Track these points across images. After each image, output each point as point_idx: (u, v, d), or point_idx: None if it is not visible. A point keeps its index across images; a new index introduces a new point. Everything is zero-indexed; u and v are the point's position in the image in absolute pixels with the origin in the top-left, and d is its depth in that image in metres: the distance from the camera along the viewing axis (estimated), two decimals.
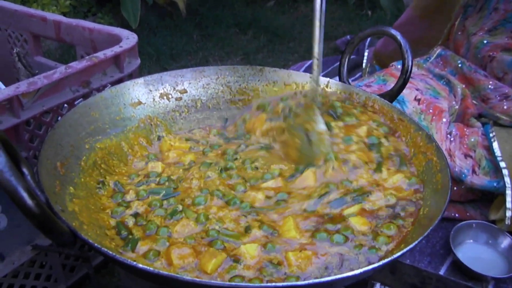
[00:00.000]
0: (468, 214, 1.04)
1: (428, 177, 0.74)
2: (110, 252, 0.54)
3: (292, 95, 0.92)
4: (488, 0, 1.09)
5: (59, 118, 1.03)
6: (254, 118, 0.91)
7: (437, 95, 1.08)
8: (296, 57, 2.69)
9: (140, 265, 0.52)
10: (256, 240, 0.66)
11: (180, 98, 0.94)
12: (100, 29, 1.20)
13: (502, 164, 0.97)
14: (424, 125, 1.01)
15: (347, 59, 0.97)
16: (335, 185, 0.76)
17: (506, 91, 1.07)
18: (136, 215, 0.72)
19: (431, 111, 1.03)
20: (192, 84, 0.95)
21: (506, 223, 0.96)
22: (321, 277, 0.60)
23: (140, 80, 0.90)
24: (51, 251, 1.12)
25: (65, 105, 1.04)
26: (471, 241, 0.99)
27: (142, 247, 0.65)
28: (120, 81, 1.09)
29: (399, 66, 1.16)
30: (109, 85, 1.07)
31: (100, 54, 1.06)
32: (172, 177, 0.80)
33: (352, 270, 0.56)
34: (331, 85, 0.94)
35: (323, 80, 0.94)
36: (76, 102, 1.04)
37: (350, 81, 0.99)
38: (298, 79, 0.96)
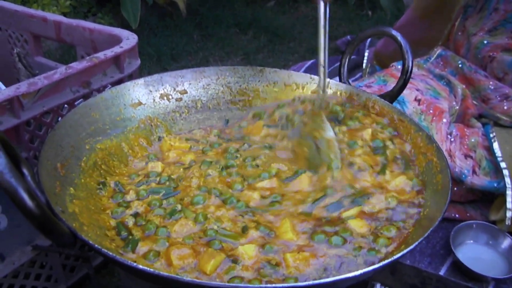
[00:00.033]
0: (468, 214, 1.04)
1: (429, 178, 0.74)
2: (110, 253, 0.54)
3: (289, 103, 0.93)
4: (488, 0, 1.09)
5: (60, 118, 1.03)
6: (251, 125, 0.92)
7: (438, 96, 1.08)
8: (296, 57, 2.69)
9: (140, 266, 0.52)
10: (253, 241, 0.66)
11: (181, 99, 0.94)
12: (100, 29, 1.20)
13: (503, 165, 0.97)
14: (425, 125, 1.01)
15: (347, 60, 0.97)
16: (332, 189, 0.75)
17: (507, 91, 1.07)
18: (136, 215, 0.72)
19: (431, 111, 1.03)
20: (192, 85, 0.95)
21: (507, 223, 0.96)
22: (320, 278, 0.60)
23: (140, 81, 0.90)
24: (51, 251, 1.12)
25: (66, 105, 1.04)
26: (471, 241, 0.99)
27: (142, 248, 0.65)
28: (120, 81, 1.09)
29: (399, 67, 1.16)
30: (109, 86, 1.07)
31: (101, 55, 1.06)
32: (172, 176, 0.80)
33: (351, 271, 0.55)
34: (331, 85, 0.94)
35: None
36: (76, 103, 1.04)
37: (350, 81, 0.99)
38: (299, 80, 0.96)
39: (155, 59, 2.61)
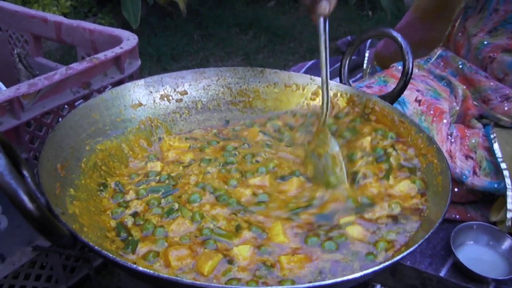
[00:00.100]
0: (468, 215, 1.04)
1: (429, 179, 0.74)
2: (110, 255, 0.54)
3: (279, 115, 0.94)
4: (488, 1, 1.09)
5: (60, 119, 1.03)
6: (246, 131, 0.92)
7: (438, 96, 1.08)
8: (296, 57, 2.69)
9: (140, 268, 0.52)
10: (246, 241, 0.66)
11: (181, 100, 0.94)
12: (100, 30, 1.20)
13: (503, 166, 0.97)
14: (425, 126, 1.01)
15: (347, 61, 0.97)
16: (325, 201, 0.75)
17: (507, 92, 1.07)
18: (134, 214, 0.72)
19: (431, 112, 1.03)
20: (192, 86, 0.95)
21: (507, 224, 0.95)
22: (315, 281, 0.60)
23: (141, 82, 0.90)
24: (52, 252, 1.12)
25: (66, 106, 1.04)
26: (472, 242, 0.99)
27: (142, 249, 0.65)
28: (120, 82, 1.09)
29: (400, 67, 1.15)
30: (110, 86, 1.07)
31: (101, 55, 1.06)
32: (171, 174, 0.80)
33: (346, 275, 0.55)
34: (331, 86, 0.93)
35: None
36: (76, 104, 1.04)
37: (351, 82, 0.99)
38: (299, 81, 0.96)
39: (155, 59, 2.61)
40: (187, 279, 0.59)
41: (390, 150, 0.82)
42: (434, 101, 1.06)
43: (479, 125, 1.09)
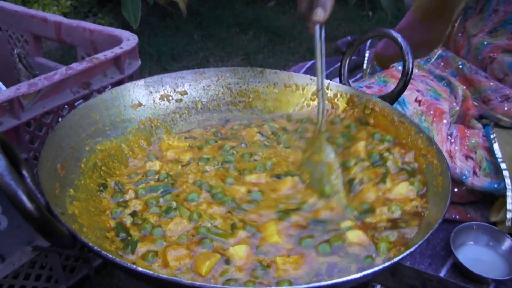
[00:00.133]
0: (468, 215, 1.04)
1: (429, 180, 0.73)
2: (110, 256, 0.54)
3: (275, 118, 0.94)
4: (488, 1, 1.09)
5: (60, 119, 1.03)
6: (244, 131, 0.92)
7: (438, 97, 1.08)
8: (296, 57, 2.69)
9: (140, 269, 0.52)
10: (241, 241, 0.66)
11: (181, 100, 0.94)
12: (100, 30, 1.20)
13: (503, 166, 0.97)
14: (425, 126, 1.01)
15: (347, 61, 0.97)
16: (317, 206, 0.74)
17: (507, 92, 1.07)
18: (133, 213, 0.72)
19: (431, 112, 1.03)
20: (192, 86, 0.95)
21: (507, 224, 0.95)
22: (313, 282, 0.60)
23: (141, 82, 0.90)
24: (52, 252, 1.12)
25: (66, 106, 1.04)
26: (472, 243, 0.99)
27: (141, 249, 0.65)
28: (120, 82, 1.09)
29: (400, 67, 1.15)
30: (110, 86, 1.07)
31: (101, 55, 1.06)
32: (170, 173, 0.80)
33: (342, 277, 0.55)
34: (331, 86, 0.93)
35: (324, 82, 0.94)
36: (76, 104, 1.04)
37: (350, 82, 0.99)
38: (299, 81, 0.96)
39: (155, 59, 2.61)
40: (185, 279, 0.59)
41: (386, 154, 0.81)
42: (434, 101, 1.06)
43: (479, 125, 1.08)
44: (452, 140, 1.01)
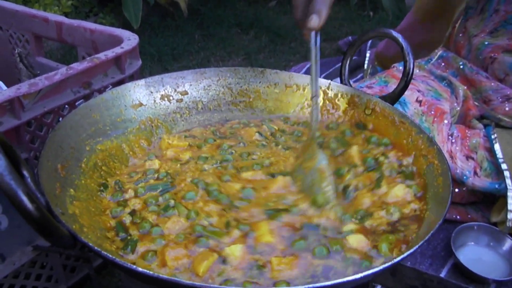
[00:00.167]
0: (469, 216, 1.04)
1: (429, 180, 0.73)
2: (110, 255, 0.54)
3: (274, 118, 0.94)
4: (488, 2, 1.09)
5: (60, 119, 1.03)
6: (243, 130, 0.92)
7: (439, 97, 1.08)
8: (297, 57, 2.69)
9: (140, 269, 0.52)
10: (236, 240, 0.66)
11: (181, 100, 0.94)
12: (101, 30, 1.20)
13: (504, 166, 0.96)
14: (426, 126, 1.01)
15: (348, 61, 0.96)
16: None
17: (508, 92, 1.07)
18: (132, 212, 0.72)
19: (432, 112, 1.03)
20: (193, 86, 0.95)
21: (508, 225, 0.95)
22: (310, 283, 0.60)
23: (141, 82, 0.90)
24: (52, 252, 1.12)
25: (66, 106, 1.04)
26: (472, 243, 0.99)
27: (141, 249, 0.65)
28: (121, 82, 1.09)
29: (401, 68, 1.15)
30: (110, 86, 1.07)
31: (101, 55, 1.06)
32: (169, 172, 0.80)
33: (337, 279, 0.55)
34: (332, 87, 0.93)
35: (325, 82, 0.94)
36: (77, 103, 1.04)
37: (351, 82, 0.99)
38: (299, 81, 0.96)
39: (156, 59, 2.61)
40: (183, 279, 0.59)
41: (381, 158, 0.80)
42: (435, 101, 1.06)
43: (480, 125, 1.08)
44: (453, 141, 1.01)
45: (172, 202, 0.72)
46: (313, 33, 0.73)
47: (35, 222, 0.52)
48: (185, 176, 0.78)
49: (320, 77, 0.95)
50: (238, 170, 0.80)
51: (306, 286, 0.51)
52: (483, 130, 1.05)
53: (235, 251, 0.64)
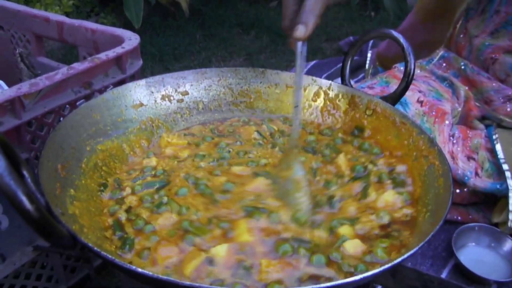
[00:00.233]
0: (470, 217, 1.03)
1: (430, 181, 0.73)
2: (109, 256, 0.53)
3: (274, 118, 0.94)
4: (489, 3, 1.09)
5: (61, 119, 1.03)
6: (242, 128, 0.92)
7: (440, 97, 1.08)
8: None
9: (139, 270, 0.52)
10: (217, 239, 0.66)
11: (182, 100, 0.94)
12: (102, 30, 1.20)
13: (505, 167, 0.96)
14: (427, 127, 1.01)
15: (349, 61, 0.96)
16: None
17: (509, 93, 1.07)
18: (128, 209, 0.72)
19: (433, 113, 1.03)
20: (193, 86, 0.95)
21: (509, 225, 0.95)
22: (300, 285, 0.59)
23: (142, 82, 0.90)
24: (52, 252, 1.12)
25: (67, 106, 1.04)
26: (473, 244, 0.99)
27: (137, 246, 0.65)
28: (122, 82, 1.09)
29: (402, 68, 1.15)
30: (111, 86, 1.07)
31: (102, 55, 1.06)
32: (166, 169, 0.80)
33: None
34: (333, 87, 0.93)
35: (326, 83, 0.94)
36: (78, 103, 1.04)
37: (353, 82, 0.99)
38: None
39: (157, 59, 2.61)
40: (188, 282, 0.59)
41: (370, 166, 0.80)
42: (436, 102, 1.06)
43: (482, 126, 1.08)
44: (454, 141, 1.01)
45: (165, 199, 0.73)
46: (299, 43, 0.73)
47: (35, 222, 0.52)
48: (180, 172, 0.78)
49: (321, 77, 0.95)
50: (231, 166, 0.81)
51: (309, 287, 0.51)
52: (485, 130, 1.05)
53: (221, 251, 0.63)
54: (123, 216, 0.70)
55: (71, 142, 0.76)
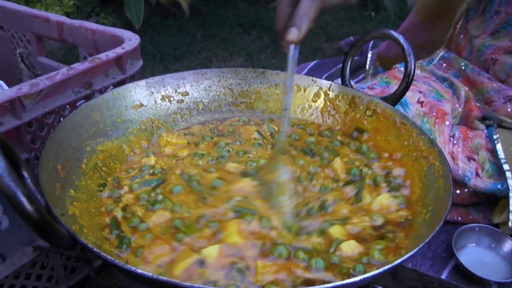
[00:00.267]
0: (471, 217, 1.03)
1: (430, 182, 0.73)
2: (109, 257, 0.53)
3: (274, 119, 0.94)
4: (490, 3, 1.09)
5: (61, 119, 1.03)
6: (242, 128, 0.92)
7: (440, 98, 1.08)
8: (299, 58, 2.69)
9: (139, 271, 0.52)
10: (207, 238, 0.66)
11: (182, 101, 0.94)
12: (102, 30, 1.20)
13: (506, 167, 0.96)
14: (427, 127, 1.00)
15: (350, 62, 0.96)
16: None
17: (510, 93, 1.07)
18: (124, 207, 0.72)
19: (434, 113, 1.03)
20: (194, 87, 0.95)
21: (510, 226, 0.95)
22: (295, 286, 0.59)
23: (142, 82, 0.90)
24: (52, 252, 1.12)
25: (67, 106, 1.04)
26: (474, 244, 0.99)
27: (133, 245, 0.65)
28: (122, 82, 1.08)
29: (402, 69, 1.15)
30: (111, 87, 1.07)
31: (102, 56, 1.06)
32: (164, 167, 0.80)
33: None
34: (333, 88, 0.93)
35: (326, 84, 0.94)
36: (78, 104, 1.04)
37: (353, 82, 0.98)
38: (300, 82, 0.95)
39: (158, 59, 2.61)
40: (189, 283, 0.59)
41: (365, 170, 0.80)
42: (436, 102, 1.06)
43: (482, 126, 1.08)
44: (455, 142, 1.01)
45: (160, 197, 0.73)
46: (291, 46, 0.72)
47: (34, 223, 0.52)
48: (176, 170, 0.78)
49: (321, 77, 0.95)
50: (227, 162, 0.81)
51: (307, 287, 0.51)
52: (485, 131, 1.05)
53: (213, 252, 0.63)
54: (119, 214, 0.70)
55: (71, 142, 0.76)
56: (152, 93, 0.91)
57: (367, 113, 0.89)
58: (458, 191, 1.01)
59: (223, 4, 3.29)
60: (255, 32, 2.97)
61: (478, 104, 1.11)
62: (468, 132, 1.04)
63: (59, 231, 0.55)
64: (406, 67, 0.86)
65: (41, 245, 1.06)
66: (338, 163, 0.81)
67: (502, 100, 1.08)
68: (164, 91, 0.92)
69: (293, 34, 0.70)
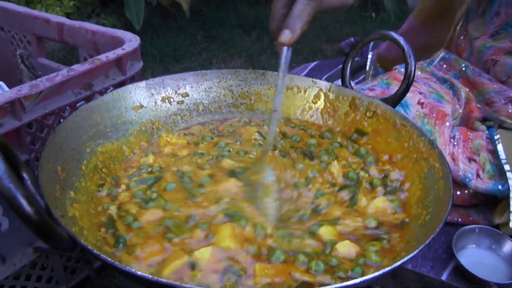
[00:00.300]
0: (471, 218, 1.03)
1: (430, 183, 0.73)
2: (109, 259, 0.53)
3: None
4: (490, 4, 1.09)
5: (61, 120, 1.03)
6: (243, 129, 0.92)
7: (441, 99, 1.08)
8: (299, 58, 2.69)
9: (139, 273, 0.52)
10: (196, 238, 0.65)
11: (182, 102, 0.94)
12: (103, 31, 1.20)
13: (507, 167, 0.96)
14: (427, 129, 1.00)
15: (350, 63, 0.96)
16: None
17: (511, 94, 1.07)
18: (119, 205, 0.72)
19: (434, 115, 1.03)
20: (194, 88, 0.95)
21: (510, 226, 0.95)
22: None
23: (142, 84, 0.90)
24: (53, 253, 1.12)
25: (67, 107, 1.04)
26: (474, 246, 0.99)
27: (129, 244, 0.65)
28: (122, 83, 1.08)
29: (402, 70, 1.15)
30: (111, 88, 1.07)
31: (102, 57, 1.06)
32: (162, 166, 0.81)
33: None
34: (333, 89, 0.93)
35: (326, 85, 0.94)
36: (78, 105, 1.04)
37: (353, 83, 0.98)
38: (300, 83, 0.95)
39: (158, 60, 2.61)
40: (189, 285, 0.58)
41: (362, 173, 0.80)
42: (436, 103, 1.06)
43: (483, 127, 1.08)
44: (455, 143, 1.01)
45: (154, 195, 0.73)
46: (284, 48, 0.72)
47: (34, 225, 0.52)
48: (173, 167, 0.79)
49: (321, 78, 0.95)
50: (225, 160, 0.81)
51: None
52: (486, 132, 1.05)
53: (205, 254, 0.62)
54: (113, 212, 0.70)
55: (71, 144, 0.76)
56: (152, 94, 0.91)
57: (367, 115, 0.89)
58: (458, 192, 1.01)
59: (224, 5, 3.29)
60: (256, 33, 2.97)
61: (478, 105, 1.11)
62: (469, 133, 1.04)
63: (59, 233, 0.55)
64: (406, 69, 0.86)
65: (41, 246, 1.06)
66: (335, 166, 0.81)
67: (503, 101, 1.07)
68: (164, 92, 0.92)
69: (286, 36, 0.71)
